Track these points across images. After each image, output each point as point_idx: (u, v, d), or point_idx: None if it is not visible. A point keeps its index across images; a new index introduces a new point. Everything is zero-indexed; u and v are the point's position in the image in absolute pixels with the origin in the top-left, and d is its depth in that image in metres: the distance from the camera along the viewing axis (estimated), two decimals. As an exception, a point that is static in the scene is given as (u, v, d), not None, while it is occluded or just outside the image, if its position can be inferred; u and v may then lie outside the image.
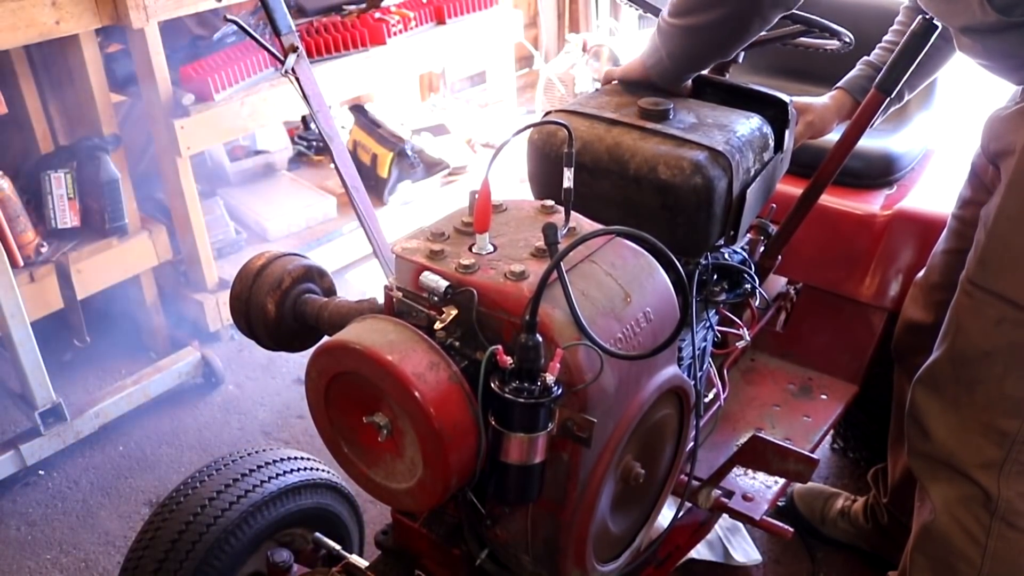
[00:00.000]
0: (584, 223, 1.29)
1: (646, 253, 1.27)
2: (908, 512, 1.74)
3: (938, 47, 1.59)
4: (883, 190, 2.17)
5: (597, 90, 1.63)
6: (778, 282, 2.19)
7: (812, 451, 1.96)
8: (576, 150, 1.22)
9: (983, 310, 1.46)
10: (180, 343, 2.99)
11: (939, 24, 1.52)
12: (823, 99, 1.74)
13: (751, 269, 1.66)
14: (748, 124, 1.50)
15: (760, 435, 1.65)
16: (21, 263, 2.52)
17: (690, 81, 1.63)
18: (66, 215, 2.64)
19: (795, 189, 1.81)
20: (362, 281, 3.37)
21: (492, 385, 1.11)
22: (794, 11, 1.59)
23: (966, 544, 1.56)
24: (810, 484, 2.25)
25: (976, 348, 1.48)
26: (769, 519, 1.75)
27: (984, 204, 1.50)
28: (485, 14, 3.57)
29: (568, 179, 1.20)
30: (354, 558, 1.58)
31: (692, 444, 1.43)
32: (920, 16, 1.55)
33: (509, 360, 1.09)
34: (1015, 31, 1.35)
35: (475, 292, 1.14)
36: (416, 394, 1.08)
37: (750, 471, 1.84)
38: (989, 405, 1.49)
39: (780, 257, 1.86)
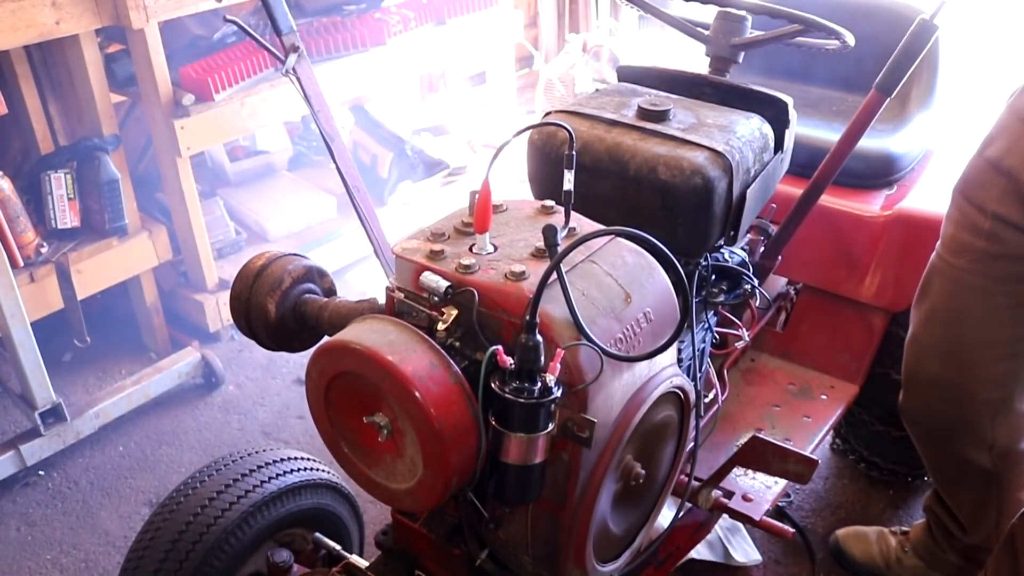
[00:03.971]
0: (584, 223, 1.29)
1: (646, 253, 1.27)
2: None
3: None
4: (883, 190, 2.17)
5: (597, 90, 1.63)
6: (778, 282, 2.19)
7: (812, 451, 1.96)
8: (576, 150, 1.22)
9: None
10: (180, 343, 2.99)
11: (938, 24, 1.52)
12: None
13: (751, 270, 1.66)
14: (748, 124, 1.50)
15: (760, 436, 1.65)
16: (21, 263, 2.52)
17: None
18: (66, 215, 2.64)
19: (795, 189, 1.81)
20: (362, 281, 3.36)
21: (492, 385, 1.11)
22: (794, 11, 1.59)
23: None
24: (850, 529, 2.16)
25: None
26: (769, 519, 1.75)
27: None
28: (485, 14, 3.57)
29: (568, 181, 1.20)
30: (354, 558, 1.58)
31: (692, 444, 1.43)
32: (920, 16, 1.55)
33: (509, 360, 1.09)
34: None
35: (475, 292, 1.14)
36: (416, 394, 1.08)
37: (750, 471, 1.85)
38: None
39: (780, 257, 1.86)
